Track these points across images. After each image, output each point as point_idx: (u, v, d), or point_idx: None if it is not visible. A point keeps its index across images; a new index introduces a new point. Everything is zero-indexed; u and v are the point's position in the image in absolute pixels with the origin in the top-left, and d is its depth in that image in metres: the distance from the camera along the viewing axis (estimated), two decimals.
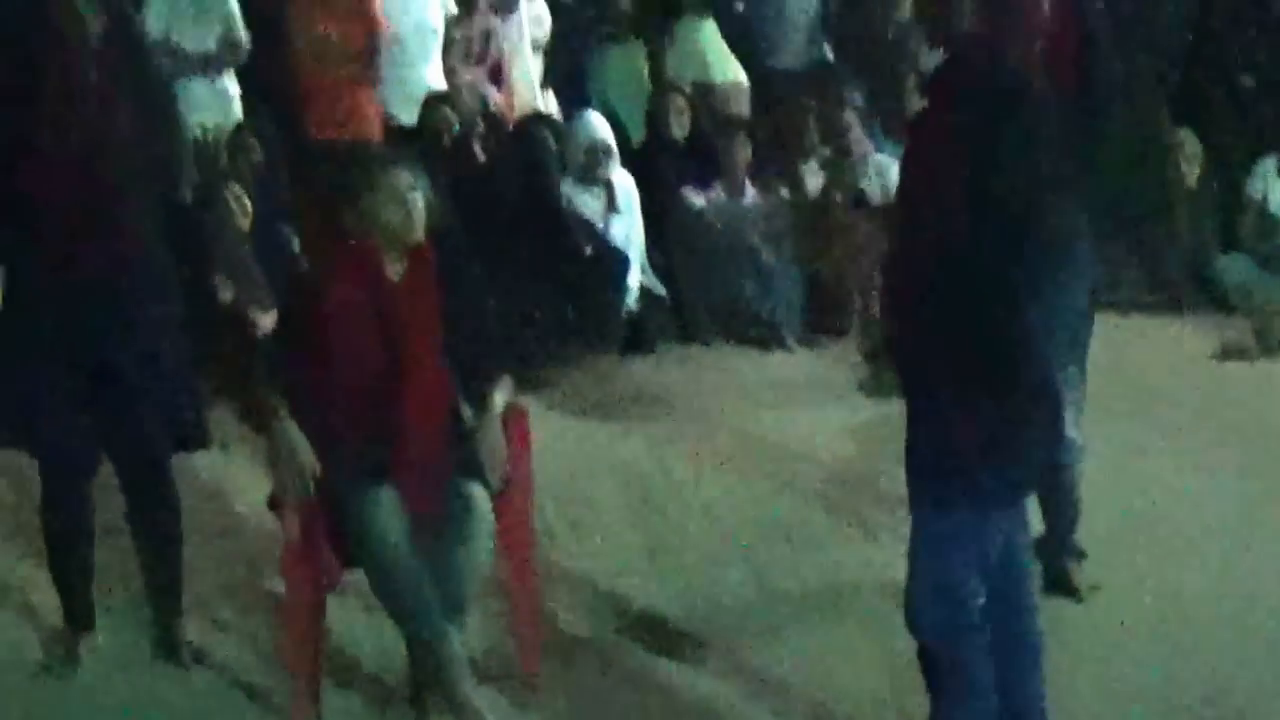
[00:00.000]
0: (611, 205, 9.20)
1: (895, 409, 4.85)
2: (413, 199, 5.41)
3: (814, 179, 9.71)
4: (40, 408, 5.48)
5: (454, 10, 10.29)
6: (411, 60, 9.94)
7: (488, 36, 10.62)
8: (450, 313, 5.43)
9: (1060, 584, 6.11)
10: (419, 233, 5.44)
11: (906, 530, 4.81)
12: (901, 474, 4.75)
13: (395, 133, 9.61)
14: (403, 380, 5.34)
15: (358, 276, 5.41)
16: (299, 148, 9.50)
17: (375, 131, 9.59)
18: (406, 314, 5.38)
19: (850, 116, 9.76)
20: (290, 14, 9.53)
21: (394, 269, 5.42)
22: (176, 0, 9.44)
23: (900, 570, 4.84)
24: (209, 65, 9.43)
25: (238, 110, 9.52)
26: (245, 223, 8.60)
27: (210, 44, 9.46)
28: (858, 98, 9.98)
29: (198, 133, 8.86)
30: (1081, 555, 6.21)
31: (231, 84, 9.55)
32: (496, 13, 10.70)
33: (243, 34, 9.48)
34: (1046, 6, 5.68)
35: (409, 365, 5.35)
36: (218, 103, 9.45)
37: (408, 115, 9.73)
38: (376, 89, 9.74)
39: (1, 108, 5.43)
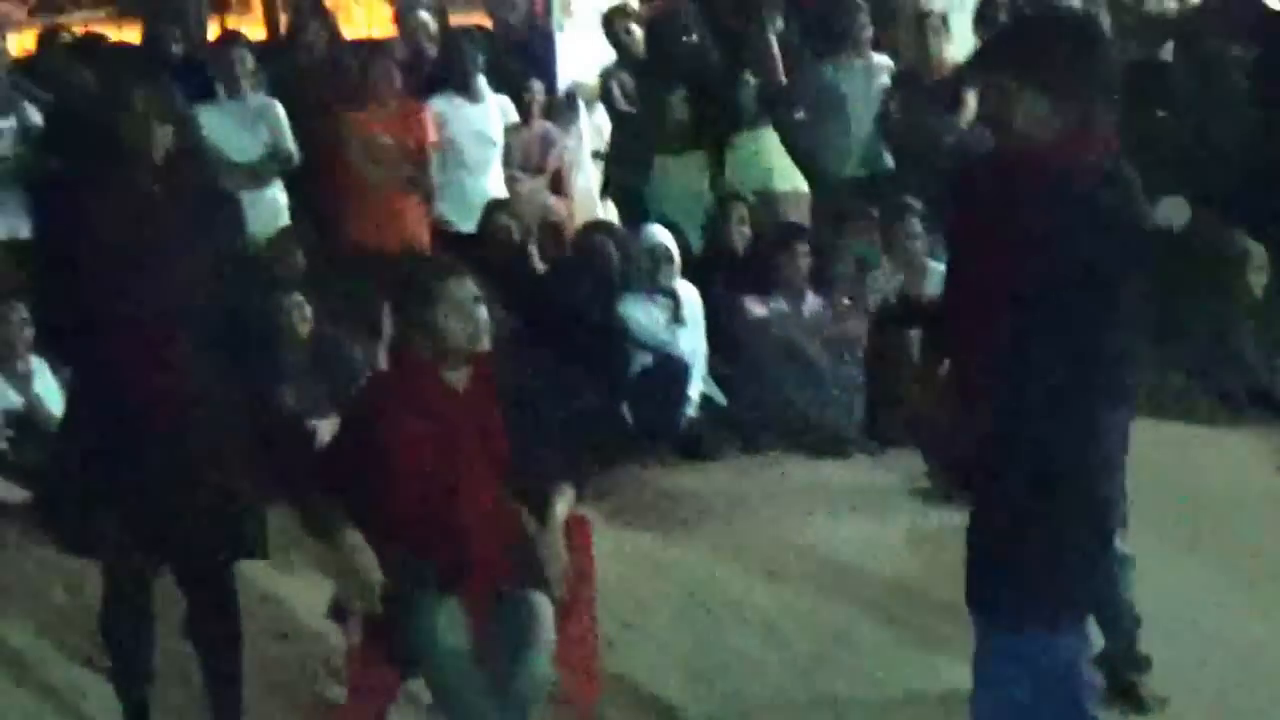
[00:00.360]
0: (677, 317, 9.22)
1: (958, 519, 4.83)
2: (476, 309, 5.42)
3: (875, 288, 9.70)
4: (103, 513, 5.49)
5: (514, 119, 10.38)
6: (470, 169, 10.05)
7: (546, 145, 10.72)
8: (512, 422, 5.44)
9: (1127, 696, 6.06)
10: (484, 342, 5.45)
11: (968, 640, 4.77)
12: (963, 584, 4.72)
13: (452, 240, 9.68)
14: (464, 490, 5.33)
15: (420, 386, 5.42)
16: (354, 255, 9.60)
17: (424, 239, 9.68)
18: (468, 423, 5.38)
19: (914, 224, 9.74)
20: (342, 121, 9.63)
21: (456, 378, 5.42)
22: (225, 111, 9.56)
23: (962, 681, 4.81)
24: (257, 175, 9.54)
25: (285, 219, 9.62)
26: (305, 329, 8.65)
27: (259, 153, 9.56)
28: (919, 205, 9.95)
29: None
30: (1146, 665, 6.15)
31: (280, 193, 9.65)
32: (556, 122, 10.80)
33: (292, 144, 9.59)
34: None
35: (470, 475, 5.35)
36: (267, 212, 9.55)
37: (466, 223, 9.80)
38: (429, 197, 9.85)
39: (71, 223, 5.49)
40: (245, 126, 9.59)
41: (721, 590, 7.26)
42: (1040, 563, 4.58)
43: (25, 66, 10.64)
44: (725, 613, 7.05)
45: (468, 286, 5.45)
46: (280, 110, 9.63)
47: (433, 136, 9.84)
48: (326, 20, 10.71)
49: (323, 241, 9.68)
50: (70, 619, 6.89)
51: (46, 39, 10.63)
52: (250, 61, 9.72)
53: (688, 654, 6.68)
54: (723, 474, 8.89)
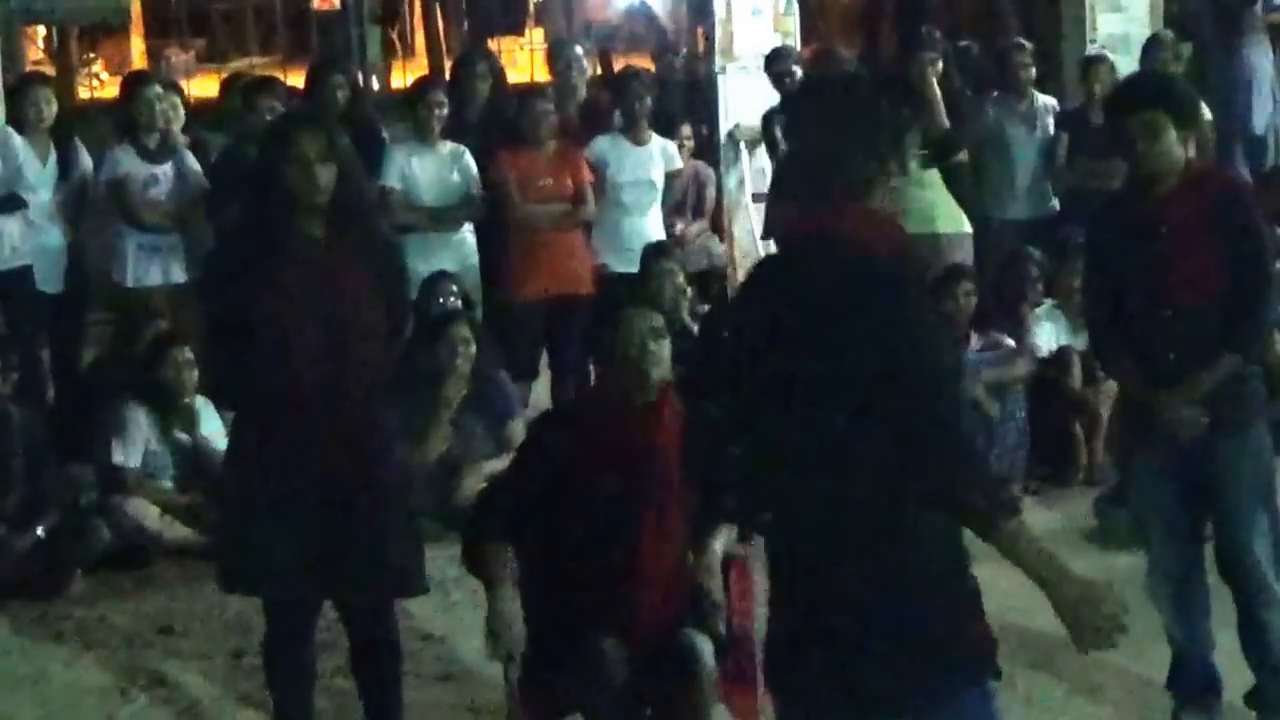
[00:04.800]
0: None
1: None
2: (657, 342, 5.41)
3: (1039, 329, 9.58)
4: (270, 551, 5.52)
5: (677, 164, 10.39)
6: (629, 211, 10.05)
7: (700, 185, 10.78)
8: (686, 459, 5.41)
9: None
10: (661, 378, 5.43)
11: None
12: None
13: (612, 282, 9.70)
14: (640, 527, 5.30)
15: (600, 421, 5.41)
16: (515, 294, 9.66)
17: (586, 280, 9.70)
18: (649, 458, 5.35)
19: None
20: (502, 163, 9.67)
21: (639, 413, 5.39)
22: (416, 153, 9.65)
23: None
24: (452, 218, 9.61)
25: (476, 260, 9.68)
26: (467, 366, 8.62)
27: (453, 198, 9.64)
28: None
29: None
30: None
31: (470, 235, 9.72)
32: (714, 165, 10.81)
33: (478, 188, 9.65)
34: None
35: (645, 512, 5.33)
36: (456, 252, 9.62)
37: (624, 265, 9.81)
38: (588, 239, 9.88)
39: (237, 268, 5.56)
40: (440, 171, 9.67)
41: None
42: None
43: (199, 113, 10.86)
44: None
45: (641, 322, 5.43)
46: (470, 157, 9.70)
47: (590, 178, 9.85)
48: (491, 64, 10.79)
49: (485, 282, 9.76)
50: (238, 660, 6.96)
51: (228, 86, 10.84)
52: (446, 108, 9.79)
53: None
54: None
